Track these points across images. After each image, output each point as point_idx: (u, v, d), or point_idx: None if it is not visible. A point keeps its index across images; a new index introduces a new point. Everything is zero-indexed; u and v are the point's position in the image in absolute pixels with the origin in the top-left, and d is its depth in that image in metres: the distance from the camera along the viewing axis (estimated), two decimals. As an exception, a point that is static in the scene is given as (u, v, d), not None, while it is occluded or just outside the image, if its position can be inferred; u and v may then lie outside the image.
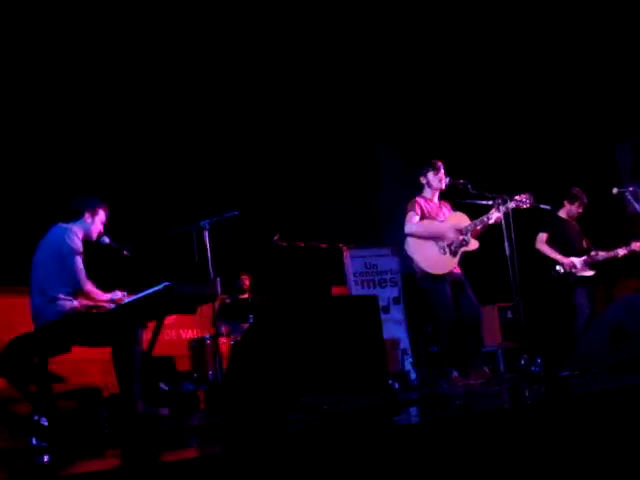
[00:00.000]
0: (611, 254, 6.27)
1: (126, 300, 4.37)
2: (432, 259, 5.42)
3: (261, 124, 8.54)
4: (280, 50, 8.41)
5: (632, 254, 6.28)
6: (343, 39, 8.81)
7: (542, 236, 6.39)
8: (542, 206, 6.35)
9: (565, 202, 6.47)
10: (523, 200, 5.35)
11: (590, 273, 6.24)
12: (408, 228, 5.50)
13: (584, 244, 6.40)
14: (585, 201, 6.46)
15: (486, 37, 8.59)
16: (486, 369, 5.37)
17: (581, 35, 7.89)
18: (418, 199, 5.62)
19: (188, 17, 7.77)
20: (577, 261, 6.25)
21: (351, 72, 9.20)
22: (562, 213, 6.51)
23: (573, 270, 6.22)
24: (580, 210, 6.48)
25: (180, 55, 8.00)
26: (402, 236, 5.61)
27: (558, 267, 6.26)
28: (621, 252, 6.25)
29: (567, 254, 6.28)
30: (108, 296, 4.42)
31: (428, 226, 5.49)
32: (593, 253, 6.28)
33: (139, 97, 7.86)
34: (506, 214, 5.28)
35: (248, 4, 7.74)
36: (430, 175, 5.63)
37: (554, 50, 8.15)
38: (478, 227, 5.44)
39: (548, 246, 6.35)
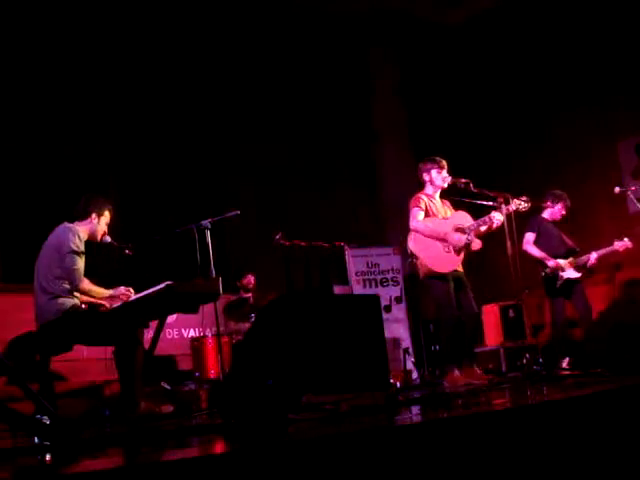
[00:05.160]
0: (603, 252, 6.22)
1: (132, 296, 4.38)
2: (437, 257, 5.36)
3: (263, 123, 8.54)
4: (282, 49, 8.41)
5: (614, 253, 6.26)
6: (345, 37, 8.81)
7: (529, 236, 6.27)
8: (544, 204, 6.34)
9: (548, 203, 6.30)
10: (522, 203, 5.32)
11: (576, 275, 6.15)
12: (414, 224, 5.40)
13: (569, 244, 6.32)
14: (569, 204, 6.34)
15: (489, 37, 8.60)
16: (477, 369, 5.35)
17: (584, 33, 7.89)
18: (421, 195, 5.54)
19: (189, 18, 7.78)
20: (563, 263, 6.17)
21: (352, 69, 9.21)
22: (545, 214, 6.39)
23: (560, 272, 6.14)
24: (564, 212, 6.35)
25: (182, 56, 8.02)
26: (405, 233, 5.56)
27: (547, 269, 6.17)
28: (617, 246, 6.20)
29: (553, 255, 6.19)
30: (109, 292, 4.43)
31: (433, 227, 5.40)
32: (584, 256, 6.19)
33: (142, 97, 7.87)
34: (508, 215, 5.26)
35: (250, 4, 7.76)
36: (434, 173, 5.54)
37: (557, 48, 8.15)
38: (480, 228, 5.40)
39: (536, 247, 6.24)
